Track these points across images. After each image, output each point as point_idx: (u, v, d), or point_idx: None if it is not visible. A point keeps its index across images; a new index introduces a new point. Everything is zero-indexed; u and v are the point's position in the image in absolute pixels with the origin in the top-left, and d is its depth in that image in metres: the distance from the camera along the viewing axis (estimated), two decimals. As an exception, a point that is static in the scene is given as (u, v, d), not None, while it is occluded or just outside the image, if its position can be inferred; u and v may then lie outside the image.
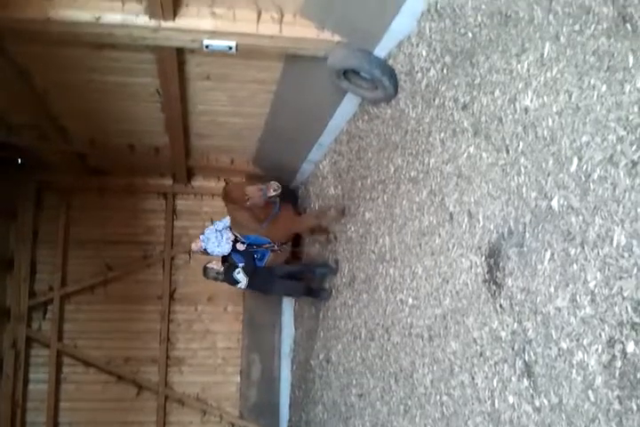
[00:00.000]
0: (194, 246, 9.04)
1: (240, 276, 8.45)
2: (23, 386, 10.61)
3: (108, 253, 10.96)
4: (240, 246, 8.60)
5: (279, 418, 11.02)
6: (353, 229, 7.36)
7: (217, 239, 8.77)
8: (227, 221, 8.84)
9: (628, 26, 3.15)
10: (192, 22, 5.72)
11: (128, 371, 10.91)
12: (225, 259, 8.78)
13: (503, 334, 3.97)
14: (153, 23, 5.68)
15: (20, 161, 10.19)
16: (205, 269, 8.78)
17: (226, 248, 8.73)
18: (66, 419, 10.71)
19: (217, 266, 8.70)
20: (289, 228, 8.51)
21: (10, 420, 10.36)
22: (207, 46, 5.90)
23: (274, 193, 7.55)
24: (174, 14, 5.63)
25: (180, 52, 6.46)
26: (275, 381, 11.19)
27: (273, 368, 11.20)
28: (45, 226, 10.96)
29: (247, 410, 11.13)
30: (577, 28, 3.51)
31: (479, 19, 4.57)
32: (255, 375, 11.21)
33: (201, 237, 8.94)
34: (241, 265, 8.49)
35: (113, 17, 5.65)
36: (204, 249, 8.91)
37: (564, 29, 3.62)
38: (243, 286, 8.69)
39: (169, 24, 5.69)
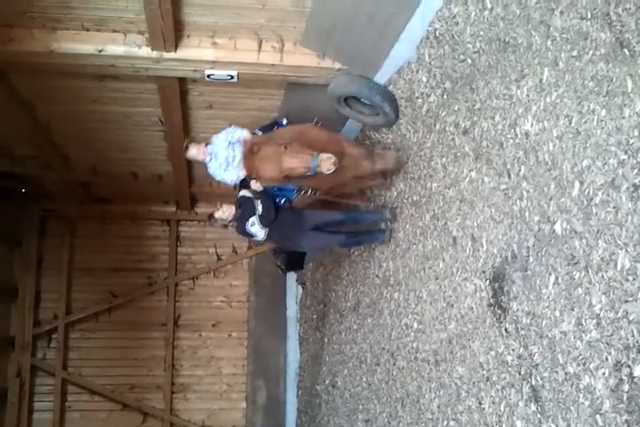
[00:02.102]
0: (192, 153, 6.51)
1: (255, 228, 6.31)
2: (28, 415, 10.53)
3: (113, 280, 10.95)
4: (256, 186, 6.30)
5: (286, 444, 10.95)
6: (357, 253, 7.37)
7: (226, 159, 6.36)
8: (244, 132, 6.49)
9: (626, 51, 3.19)
10: (194, 53, 5.82)
11: (133, 398, 10.84)
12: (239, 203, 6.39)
13: (509, 358, 3.97)
14: (155, 54, 5.77)
15: (23, 190, 10.23)
16: (210, 218, 6.51)
17: (234, 176, 6.42)
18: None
19: (225, 214, 6.34)
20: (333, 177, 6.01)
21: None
22: (209, 76, 6.00)
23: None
24: (176, 45, 5.72)
25: (182, 82, 6.54)
26: (281, 406, 11.11)
27: (279, 394, 11.14)
28: (49, 254, 10.97)
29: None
30: (575, 53, 3.56)
31: (478, 45, 4.63)
32: (261, 401, 11.14)
33: (208, 147, 6.45)
34: (257, 213, 6.27)
35: (115, 49, 5.76)
36: (206, 164, 6.54)
37: (563, 55, 3.66)
38: (260, 239, 6.58)
39: (171, 55, 5.78)
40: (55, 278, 10.87)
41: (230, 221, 6.37)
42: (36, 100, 6.89)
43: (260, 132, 6.44)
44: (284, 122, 6.47)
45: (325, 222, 6.70)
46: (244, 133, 6.42)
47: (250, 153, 5.87)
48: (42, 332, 10.79)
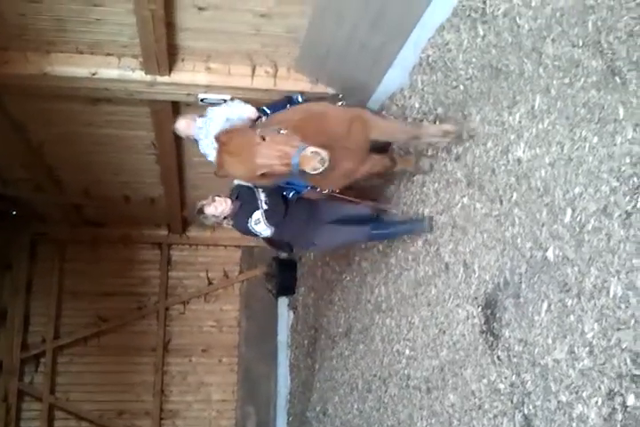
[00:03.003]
0: (181, 126, 5.84)
1: (260, 227, 5.17)
2: (14, 442, 10.39)
3: (102, 304, 10.86)
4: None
5: (276, 472, 10.80)
6: (349, 278, 7.34)
7: None
8: (248, 108, 5.70)
9: (617, 79, 3.21)
10: (188, 77, 5.85)
11: (121, 425, 10.69)
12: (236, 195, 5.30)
13: (502, 386, 3.93)
14: (149, 78, 5.80)
15: (14, 212, 10.19)
16: (200, 213, 5.29)
17: None
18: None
19: (218, 209, 5.19)
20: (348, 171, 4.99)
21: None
22: (202, 100, 6.00)
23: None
24: (170, 69, 5.76)
25: (176, 106, 6.54)
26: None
27: (269, 421, 11.00)
28: (39, 277, 10.89)
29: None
30: (567, 80, 3.58)
31: (470, 72, 4.66)
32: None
33: (199, 120, 5.72)
34: (262, 208, 5.13)
35: (109, 72, 5.79)
36: (196, 140, 5.81)
37: (555, 82, 3.69)
38: (267, 235, 5.42)
39: (164, 79, 5.82)
40: (44, 302, 10.78)
41: (225, 218, 5.25)
42: (30, 123, 6.88)
43: (269, 111, 5.45)
44: (300, 98, 5.53)
45: (347, 216, 5.57)
46: (247, 110, 5.60)
47: (220, 144, 4.60)
48: (30, 356, 10.66)
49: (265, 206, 5.13)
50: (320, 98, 5.64)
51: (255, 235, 5.45)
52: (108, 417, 10.66)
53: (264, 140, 4.34)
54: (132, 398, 10.80)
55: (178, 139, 7.36)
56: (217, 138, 4.61)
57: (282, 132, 4.43)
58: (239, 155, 4.46)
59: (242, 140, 4.50)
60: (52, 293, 10.78)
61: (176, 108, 6.61)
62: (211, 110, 5.71)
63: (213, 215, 5.18)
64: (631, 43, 3.14)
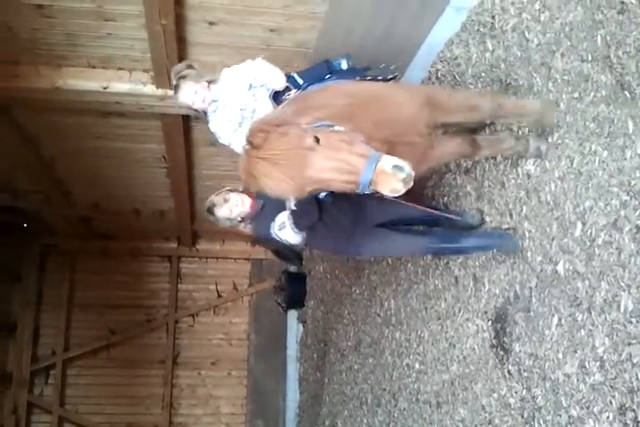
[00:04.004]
0: (185, 96, 4.57)
1: (286, 233, 4.04)
2: (23, 455, 10.38)
3: (112, 316, 10.86)
4: None
5: (285, 487, 10.74)
6: (358, 291, 7.32)
7: (240, 112, 4.50)
8: (275, 74, 4.51)
9: (627, 93, 3.22)
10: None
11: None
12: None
13: (512, 400, 3.91)
14: (160, 92, 5.83)
15: (25, 225, 10.24)
16: (211, 214, 4.30)
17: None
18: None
19: (234, 212, 4.20)
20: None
21: None
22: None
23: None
24: (181, 82, 5.76)
25: (186, 119, 6.57)
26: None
27: (276, 432, 10.96)
28: (49, 289, 10.91)
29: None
30: (576, 95, 3.59)
31: (479, 86, 4.67)
32: (259, 441, 10.98)
33: (212, 88, 4.57)
34: (288, 208, 3.99)
35: (120, 86, 5.83)
36: (206, 114, 4.71)
37: (564, 97, 3.70)
38: (297, 243, 4.19)
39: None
40: (54, 314, 10.79)
41: (242, 221, 4.24)
42: (41, 136, 6.93)
43: (302, 81, 4.40)
44: (343, 63, 4.46)
45: (402, 219, 4.42)
46: (274, 77, 4.43)
47: (252, 147, 3.19)
48: (39, 368, 10.66)
49: (292, 207, 3.92)
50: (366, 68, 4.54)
51: (279, 243, 4.21)
52: (120, 431, 10.65)
53: (318, 142, 3.05)
54: (141, 410, 10.76)
55: (188, 152, 7.41)
56: (248, 139, 3.22)
57: (337, 128, 3.19)
58: (281, 164, 3.11)
59: (284, 141, 3.12)
60: (62, 305, 10.79)
61: (186, 122, 6.65)
62: (227, 72, 4.58)
63: (227, 218, 4.19)
64: (641, 57, 3.15)
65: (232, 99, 4.53)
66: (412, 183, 2.93)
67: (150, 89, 5.84)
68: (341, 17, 5.11)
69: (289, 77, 4.53)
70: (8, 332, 10.65)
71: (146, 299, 11.13)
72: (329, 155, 3.04)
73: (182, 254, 11.30)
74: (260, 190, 3.32)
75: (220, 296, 11.34)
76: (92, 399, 10.68)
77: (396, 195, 3.00)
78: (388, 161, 2.95)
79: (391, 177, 2.92)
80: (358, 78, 4.29)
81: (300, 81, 4.48)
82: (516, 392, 3.88)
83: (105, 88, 5.78)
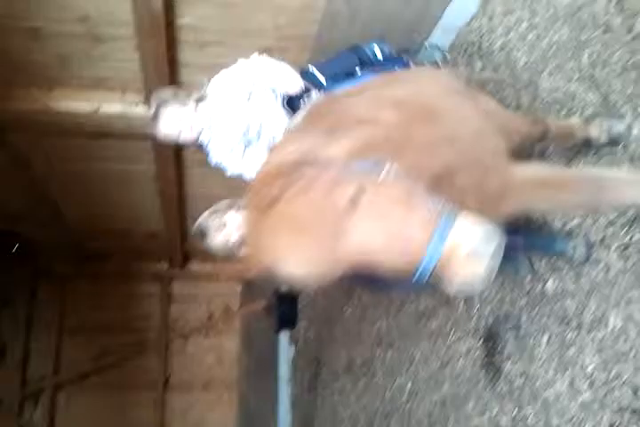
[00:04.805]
0: (166, 127, 3.74)
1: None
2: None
3: (103, 339, 10.75)
4: None
5: None
6: (350, 311, 7.31)
7: (245, 139, 3.62)
8: (287, 74, 3.63)
9: (613, 111, 3.26)
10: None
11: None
12: None
13: (504, 419, 3.90)
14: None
15: (16, 246, 10.19)
16: (202, 236, 3.34)
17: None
18: None
19: (232, 238, 3.24)
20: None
21: None
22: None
23: None
24: (172, 104, 5.79)
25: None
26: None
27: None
28: (39, 313, 10.81)
29: None
30: (564, 112, 3.63)
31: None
32: (253, 466, 10.86)
33: (200, 109, 3.74)
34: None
35: (112, 107, 5.83)
36: (201, 147, 3.84)
37: (552, 115, 3.73)
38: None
39: (168, 112, 5.85)
40: (44, 338, 10.70)
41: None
42: (32, 158, 6.91)
43: (323, 79, 3.46)
44: (377, 51, 3.62)
45: None
46: (286, 76, 3.47)
47: (260, 205, 2.17)
48: (29, 393, 10.56)
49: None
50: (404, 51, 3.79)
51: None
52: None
53: (359, 202, 1.98)
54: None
55: (180, 173, 7.40)
56: (250, 199, 2.32)
57: (388, 169, 2.08)
58: (302, 235, 2.07)
59: (306, 202, 2.06)
60: (53, 328, 10.70)
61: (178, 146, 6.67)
62: (215, 81, 3.67)
63: (224, 247, 3.30)
64: (625, 77, 3.20)
65: (228, 120, 3.48)
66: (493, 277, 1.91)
67: (142, 109, 5.85)
68: (330, 40, 5.15)
69: (305, 74, 3.56)
70: (-3, 356, 10.57)
71: (137, 321, 11.05)
72: (374, 222, 1.97)
73: (174, 275, 11.26)
74: (271, 272, 2.17)
75: (211, 317, 11.28)
76: (83, 424, 10.57)
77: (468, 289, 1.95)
78: (469, 231, 1.87)
79: (469, 264, 1.86)
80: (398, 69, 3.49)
81: (322, 78, 3.48)
82: (507, 412, 3.87)
83: (97, 109, 5.81)
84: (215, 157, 3.79)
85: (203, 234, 3.34)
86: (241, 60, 3.72)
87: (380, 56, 3.71)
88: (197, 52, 5.31)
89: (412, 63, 3.80)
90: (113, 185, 7.80)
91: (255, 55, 3.69)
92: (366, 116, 2.43)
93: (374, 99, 2.62)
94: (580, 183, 2.66)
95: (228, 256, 3.39)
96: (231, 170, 3.79)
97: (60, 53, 5.30)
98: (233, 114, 3.55)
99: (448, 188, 2.22)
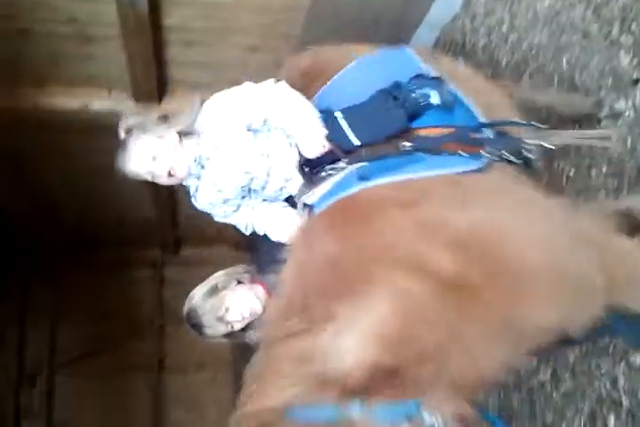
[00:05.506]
0: (138, 164, 2.84)
1: None
2: (12, 463, 10.41)
3: (98, 325, 10.83)
4: None
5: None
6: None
7: (243, 192, 2.75)
8: (307, 116, 2.54)
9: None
10: (177, 107, 5.95)
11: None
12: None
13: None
14: (140, 108, 5.90)
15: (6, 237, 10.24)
16: (197, 327, 3.02)
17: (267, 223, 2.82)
18: None
19: (246, 314, 2.84)
20: None
21: None
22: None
23: None
24: (160, 100, 5.86)
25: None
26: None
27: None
28: (34, 300, 10.91)
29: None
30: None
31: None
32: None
33: (187, 147, 2.75)
34: None
35: (100, 103, 5.92)
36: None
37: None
38: None
39: (154, 109, 5.91)
40: (40, 324, 10.80)
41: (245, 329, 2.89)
42: (24, 154, 6.99)
43: (355, 139, 2.42)
44: (434, 96, 2.43)
45: None
46: (312, 139, 2.48)
47: None
48: (26, 377, 10.71)
49: None
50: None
51: None
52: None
53: None
54: (129, 417, 10.81)
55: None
56: None
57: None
58: None
59: None
60: (47, 315, 10.82)
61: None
62: (207, 114, 2.76)
63: (232, 324, 2.86)
64: (603, 82, 3.30)
65: (226, 166, 2.62)
66: None
67: (130, 106, 5.92)
68: (315, 38, 5.19)
69: (329, 120, 2.51)
70: (-8, 342, 10.68)
71: (131, 306, 11.15)
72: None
73: (166, 261, 11.36)
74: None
75: (203, 300, 11.35)
76: (80, 408, 10.70)
77: None
78: None
79: None
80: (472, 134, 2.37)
81: (354, 138, 2.42)
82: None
83: (85, 106, 5.89)
84: (202, 204, 2.88)
85: (197, 325, 2.93)
86: (246, 85, 2.80)
87: (435, 102, 2.43)
88: (184, 50, 5.38)
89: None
90: (104, 176, 7.80)
91: (271, 82, 2.74)
92: (409, 263, 1.82)
93: (426, 225, 1.91)
94: None
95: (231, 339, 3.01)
96: (221, 220, 3.03)
97: (50, 53, 5.37)
98: (233, 157, 2.60)
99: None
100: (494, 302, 1.74)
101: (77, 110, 5.90)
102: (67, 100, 5.86)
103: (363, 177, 2.23)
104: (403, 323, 1.68)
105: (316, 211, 2.36)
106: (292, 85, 2.70)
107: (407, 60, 2.70)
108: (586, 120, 3.27)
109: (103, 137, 6.64)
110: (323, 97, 2.74)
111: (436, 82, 2.49)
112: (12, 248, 10.53)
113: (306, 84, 2.78)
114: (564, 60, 3.61)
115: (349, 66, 2.75)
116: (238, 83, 5.74)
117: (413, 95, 2.41)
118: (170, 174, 2.71)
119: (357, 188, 2.21)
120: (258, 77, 5.63)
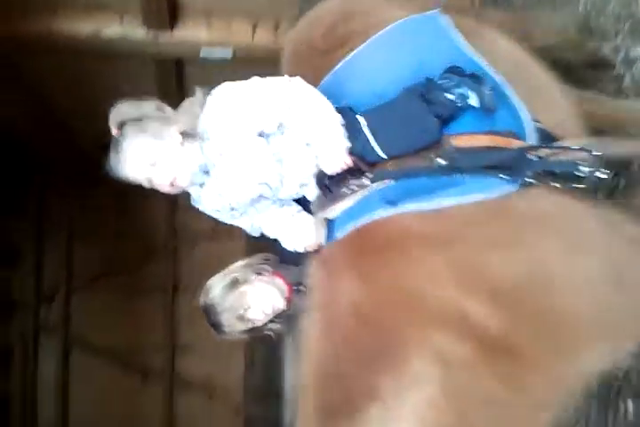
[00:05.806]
0: (128, 171, 2.35)
1: None
2: (32, 376, 10.82)
3: (113, 245, 11.00)
4: None
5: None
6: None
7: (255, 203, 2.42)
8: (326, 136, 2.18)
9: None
10: (189, 34, 5.91)
11: (137, 360, 11.13)
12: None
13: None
14: (151, 35, 5.88)
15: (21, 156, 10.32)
16: (216, 325, 2.72)
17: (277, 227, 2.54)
18: (76, 409, 10.93)
19: (266, 311, 2.63)
20: None
21: (21, 414, 10.65)
22: (204, 58, 6.07)
23: None
24: (172, 26, 5.82)
25: (180, 64, 6.66)
26: (280, 369, 11.23)
27: (276, 350, 11.18)
28: (50, 220, 11.11)
29: (251, 395, 11.23)
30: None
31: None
32: (258, 361, 11.33)
33: (190, 150, 2.30)
34: None
35: (113, 29, 5.92)
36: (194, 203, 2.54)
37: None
38: None
39: (166, 36, 5.88)
40: (56, 244, 11.03)
41: (274, 321, 2.70)
42: (39, 79, 6.99)
43: (381, 152, 2.14)
44: (472, 98, 2.07)
45: None
46: (334, 154, 2.18)
47: None
48: (44, 296, 11.04)
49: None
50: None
51: None
52: (122, 354, 11.04)
53: None
54: (145, 334, 11.11)
55: (180, 87, 7.39)
56: None
57: None
58: None
59: None
60: (63, 235, 11.06)
61: (180, 67, 6.73)
62: (210, 115, 2.31)
63: (251, 321, 2.67)
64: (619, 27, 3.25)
65: (236, 173, 2.30)
66: None
67: (141, 32, 5.90)
68: None
69: (350, 127, 2.21)
70: (11, 262, 10.94)
71: (145, 227, 11.29)
72: None
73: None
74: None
75: (218, 223, 11.41)
76: (96, 324, 10.98)
77: None
78: None
79: None
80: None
81: (379, 151, 2.17)
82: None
83: (98, 32, 5.89)
84: (206, 209, 2.58)
85: (216, 324, 2.72)
86: (256, 82, 2.28)
87: (475, 104, 2.09)
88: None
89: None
90: (117, 100, 7.83)
91: (284, 79, 2.26)
92: (446, 317, 1.66)
93: (464, 276, 1.73)
94: None
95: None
96: (226, 222, 2.68)
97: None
98: (243, 168, 2.27)
99: None
100: (546, 367, 1.66)
101: (90, 36, 5.89)
102: (80, 26, 5.85)
103: (389, 201, 1.98)
104: (453, 406, 1.61)
105: (337, 230, 2.13)
106: (302, 65, 2.46)
107: (441, 36, 2.28)
108: (601, 65, 3.23)
109: (116, 61, 6.70)
110: (340, 74, 2.42)
111: (475, 80, 2.08)
112: (27, 167, 10.58)
113: (320, 59, 2.48)
114: (581, 3, 3.55)
115: (372, 39, 2.37)
116: (249, 10, 5.66)
117: (448, 96, 2.08)
118: (173, 184, 2.34)
119: (383, 213, 1.96)
120: (271, 1, 5.54)
